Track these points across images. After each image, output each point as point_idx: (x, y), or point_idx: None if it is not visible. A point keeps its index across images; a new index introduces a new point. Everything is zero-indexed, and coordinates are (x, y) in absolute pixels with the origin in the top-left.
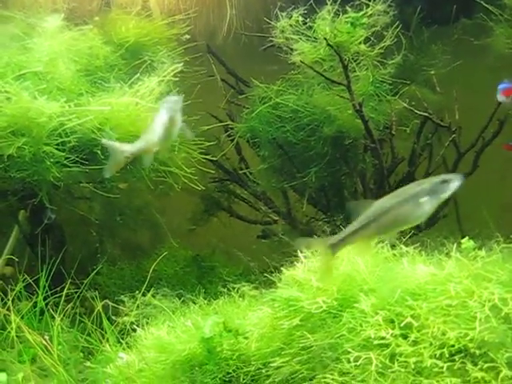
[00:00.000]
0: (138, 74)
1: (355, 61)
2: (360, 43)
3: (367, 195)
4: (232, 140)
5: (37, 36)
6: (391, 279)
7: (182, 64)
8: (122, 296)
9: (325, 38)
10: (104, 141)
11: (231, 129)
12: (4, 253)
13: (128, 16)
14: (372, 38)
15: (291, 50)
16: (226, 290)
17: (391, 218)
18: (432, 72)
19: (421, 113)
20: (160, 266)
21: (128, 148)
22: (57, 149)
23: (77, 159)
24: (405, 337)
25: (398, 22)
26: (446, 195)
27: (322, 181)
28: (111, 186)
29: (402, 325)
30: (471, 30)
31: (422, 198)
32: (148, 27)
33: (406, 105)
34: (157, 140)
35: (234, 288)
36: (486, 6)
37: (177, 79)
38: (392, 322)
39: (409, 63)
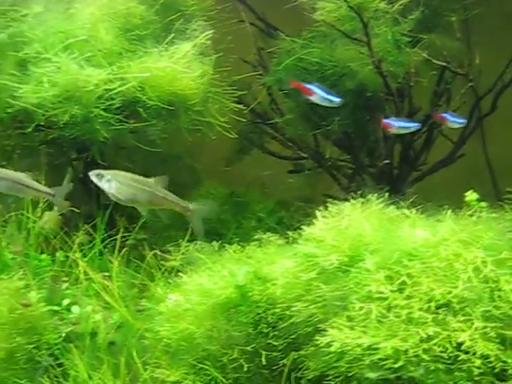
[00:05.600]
0: (173, 34)
1: (375, 18)
2: (379, 2)
3: (387, 141)
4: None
5: (76, 0)
6: (392, 241)
7: (212, 30)
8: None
9: (345, 0)
10: None
11: (261, 77)
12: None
13: None
14: None
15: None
16: (258, 225)
17: None
18: (453, 18)
19: (438, 62)
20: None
21: None
22: (103, 109)
23: (121, 118)
24: (400, 292)
25: None
26: None
27: (346, 127)
28: (153, 138)
29: (398, 282)
30: None
31: None
32: None
33: (424, 55)
34: None
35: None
36: None
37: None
38: (391, 278)
39: (432, 9)
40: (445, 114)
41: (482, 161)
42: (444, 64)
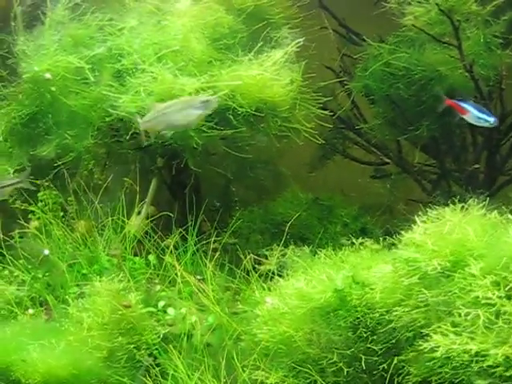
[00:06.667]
0: (261, 43)
1: (466, 20)
2: (471, 4)
3: (476, 144)
4: (348, 93)
5: (168, 12)
6: (498, 246)
7: (301, 38)
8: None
9: (436, 4)
10: None
11: (346, 84)
12: (149, 194)
13: None
14: None
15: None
16: (344, 230)
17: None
18: None
19: None
20: (285, 209)
21: None
22: None
23: (213, 125)
24: (509, 298)
25: None
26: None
27: (433, 132)
28: (242, 144)
29: (506, 288)
30: None
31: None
32: None
33: None
34: None
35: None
36: None
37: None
38: (498, 284)
39: None
40: None
41: None
42: None
